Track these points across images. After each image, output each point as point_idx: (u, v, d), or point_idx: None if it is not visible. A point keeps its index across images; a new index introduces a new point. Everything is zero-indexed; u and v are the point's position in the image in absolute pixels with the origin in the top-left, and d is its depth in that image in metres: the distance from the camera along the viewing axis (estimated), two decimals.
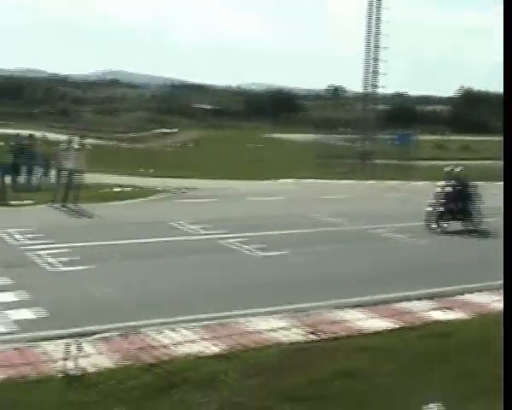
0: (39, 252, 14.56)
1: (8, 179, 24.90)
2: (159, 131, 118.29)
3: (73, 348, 8.11)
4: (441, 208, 19.99)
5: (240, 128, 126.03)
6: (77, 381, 7.57)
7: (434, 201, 20.19)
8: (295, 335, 9.60)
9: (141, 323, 9.74)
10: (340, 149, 58.13)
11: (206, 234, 17.41)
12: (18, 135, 29.85)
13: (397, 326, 10.18)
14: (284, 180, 37.30)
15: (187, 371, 7.90)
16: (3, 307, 10.46)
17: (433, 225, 19.70)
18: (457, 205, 20.18)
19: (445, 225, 19.92)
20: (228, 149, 74.23)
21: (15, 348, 8.69)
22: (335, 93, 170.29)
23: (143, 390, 7.40)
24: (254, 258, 14.92)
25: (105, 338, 9.12)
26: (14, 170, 26.87)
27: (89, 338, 8.97)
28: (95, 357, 8.39)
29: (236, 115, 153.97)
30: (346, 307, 11.07)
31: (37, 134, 32.89)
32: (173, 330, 9.57)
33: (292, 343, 9.22)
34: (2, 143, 24.52)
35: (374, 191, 33.75)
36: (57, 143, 25.16)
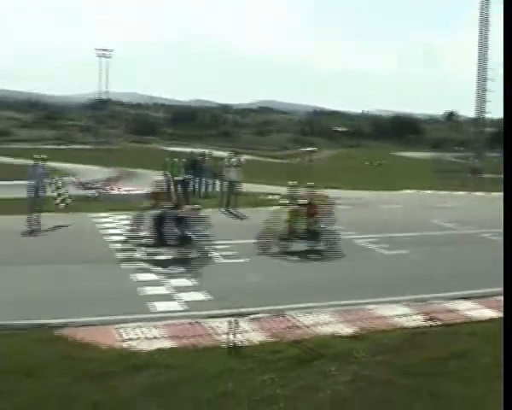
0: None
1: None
2: (302, 149, 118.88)
3: (232, 326, 8.23)
4: (146, 233, 13.86)
5: (368, 147, 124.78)
6: (234, 352, 7.71)
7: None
8: (416, 321, 9.40)
9: (287, 306, 9.78)
10: (453, 165, 56.76)
11: (340, 235, 17.23)
12: (192, 153, 30.68)
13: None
14: (406, 191, 36.56)
15: (324, 348, 7.87)
16: (178, 290, 10.80)
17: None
18: (169, 229, 13.64)
19: (151, 251, 13.58)
20: (358, 164, 73.66)
21: (189, 323, 8.96)
22: (450, 117, 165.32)
23: (288, 362, 7.43)
24: (380, 255, 14.68)
25: (257, 318, 9.22)
26: (192, 181, 27.76)
27: (245, 318, 9.09)
28: (249, 333, 8.50)
29: (365, 136, 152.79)
30: (458, 298, 10.74)
31: (206, 152, 33.65)
32: (313, 313, 9.55)
33: (412, 328, 9.04)
34: (177, 160, 25.17)
35: (481, 202, 32.52)
36: (221, 159, 25.63)
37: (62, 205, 22.21)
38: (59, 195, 22.58)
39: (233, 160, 23.67)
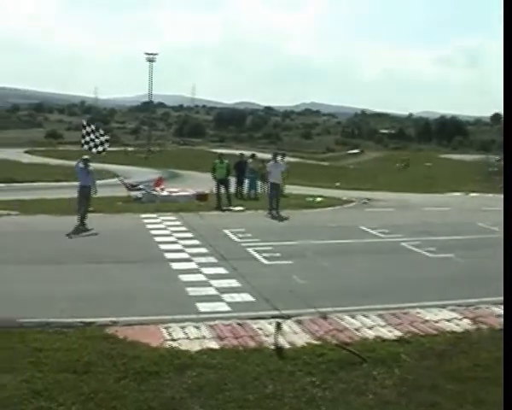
0: (248, 249, 14.91)
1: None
2: (348, 152, 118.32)
3: (274, 327, 8.24)
4: None
5: (412, 149, 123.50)
6: (276, 354, 7.73)
7: None
8: (463, 325, 9.24)
9: (329, 309, 9.70)
10: (501, 167, 55.74)
11: (385, 237, 17.11)
12: (241, 154, 30.69)
13: None
14: (452, 193, 36.07)
15: (368, 351, 7.78)
16: (223, 291, 10.85)
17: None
18: None
19: None
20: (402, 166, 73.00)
21: (227, 324, 8.97)
22: (496, 119, 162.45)
23: (330, 365, 7.38)
24: (426, 258, 14.47)
25: (299, 321, 9.17)
26: (238, 182, 28.10)
27: (287, 320, 9.08)
28: (291, 335, 8.49)
29: (410, 138, 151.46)
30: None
31: (254, 154, 33.65)
32: (355, 316, 9.46)
33: (460, 332, 8.90)
34: (227, 161, 25.23)
35: None
36: (268, 160, 25.54)
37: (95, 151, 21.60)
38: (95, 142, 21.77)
39: (278, 162, 23.53)
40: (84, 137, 21.55)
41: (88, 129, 21.55)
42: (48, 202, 24.35)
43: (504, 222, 5.28)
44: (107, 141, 21.76)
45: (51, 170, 51.01)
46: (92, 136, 21.44)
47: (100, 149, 21.51)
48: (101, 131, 21.84)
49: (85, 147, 21.39)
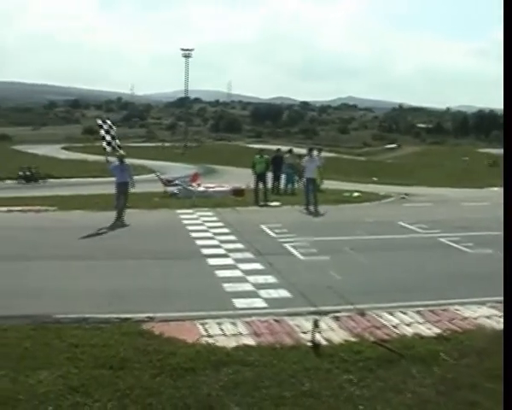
0: (284, 244, 14.84)
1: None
2: (386, 146, 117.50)
3: (310, 324, 8.16)
4: None
5: (450, 144, 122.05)
6: (313, 351, 7.64)
7: None
8: (502, 323, 9.04)
9: (367, 306, 9.59)
10: None
11: (423, 232, 16.88)
12: (278, 150, 30.54)
13: None
14: (490, 188, 35.50)
15: (406, 349, 7.65)
16: (259, 287, 10.79)
17: None
18: None
19: None
20: (440, 161, 72.19)
21: (264, 321, 8.90)
22: None
23: (367, 363, 7.28)
24: (464, 254, 14.22)
25: (336, 317, 9.08)
26: (274, 177, 27.92)
27: (324, 317, 8.99)
28: (328, 332, 8.39)
29: (448, 133, 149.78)
30: None
31: (287, 148, 33.55)
32: (393, 313, 9.32)
33: (500, 330, 8.59)
34: (267, 156, 25.18)
35: None
36: (304, 155, 25.40)
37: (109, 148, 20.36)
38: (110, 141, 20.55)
39: (314, 157, 23.36)
40: (103, 138, 20.42)
41: (105, 127, 20.51)
42: (85, 198, 24.61)
43: (504, 220, 5.16)
44: (113, 138, 20.54)
45: (88, 166, 51.59)
46: (108, 136, 20.37)
47: (116, 147, 20.31)
48: (108, 124, 20.68)
49: (108, 149, 20.34)
